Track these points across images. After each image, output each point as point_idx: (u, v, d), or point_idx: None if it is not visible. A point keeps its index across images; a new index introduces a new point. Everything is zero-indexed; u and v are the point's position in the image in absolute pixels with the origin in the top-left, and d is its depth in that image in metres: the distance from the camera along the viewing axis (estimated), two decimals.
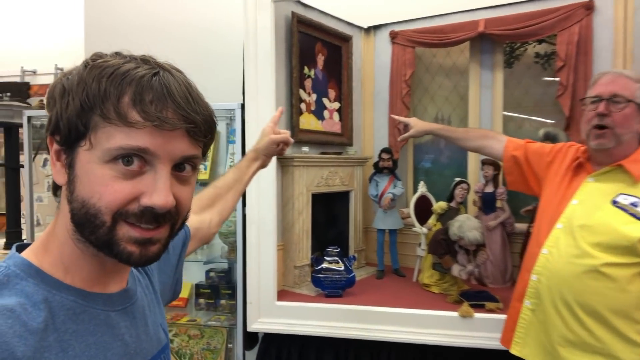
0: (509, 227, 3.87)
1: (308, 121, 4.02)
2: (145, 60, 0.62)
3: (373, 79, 4.79)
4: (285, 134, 1.63)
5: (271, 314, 3.34)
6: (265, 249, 3.32)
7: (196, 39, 3.86)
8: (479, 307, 3.00)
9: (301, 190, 3.73)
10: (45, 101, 0.62)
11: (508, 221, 3.85)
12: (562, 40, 3.87)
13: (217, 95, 3.65)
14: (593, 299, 1.64)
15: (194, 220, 1.05)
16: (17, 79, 5.06)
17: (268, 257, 3.31)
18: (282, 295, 3.51)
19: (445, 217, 3.77)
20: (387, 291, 3.64)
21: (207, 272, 4.26)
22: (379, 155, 4.24)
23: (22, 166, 3.69)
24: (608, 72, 1.85)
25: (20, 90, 4.75)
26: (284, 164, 3.74)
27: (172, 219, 0.63)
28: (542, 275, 1.86)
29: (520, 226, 3.88)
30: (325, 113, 4.24)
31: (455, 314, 2.97)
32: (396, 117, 2.74)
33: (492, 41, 4.31)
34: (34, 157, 3.55)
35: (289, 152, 3.76)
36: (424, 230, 3.88)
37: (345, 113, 4.44)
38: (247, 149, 3.32)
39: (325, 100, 4.23)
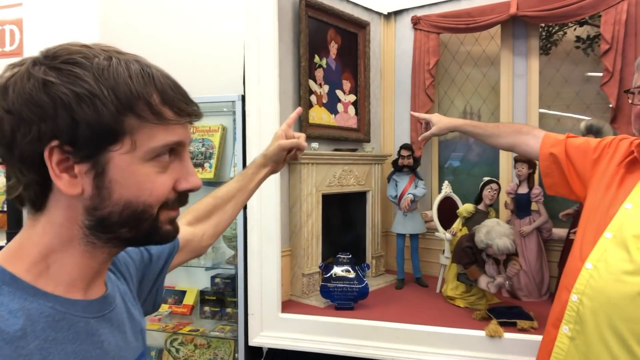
0: (545, 233, 3.47)
1: (319, 115, 3.74)
2: (120, 51, 0.63)
3: (393, 69, 4.46)
4: (298, 138, 1.48)
5: (275, 327, 3.07)
6: (268, 255, 3.06)
7: (195, 25, 3.64)
8: (510, 326, 2.64)
9: (310, 190, 3.45)
10: (26, 112, 0.56)
11: (545, 226, 3.46)
12: (607, 20, 3.45)
13: (216, 86, 3.43)
14: None
15: (186, 232, 1.04)
16: None
17: (271, 264, 3.05)
18: (289, 305, 3.24)
19: (472, 221, 3.41)
20: (406, 304, 3.31)
21: (213, 278, 4.04)
22: (398, 152, 3.92)
23: None
24: None
25: None
26: (291, 162, 3.46)
27: None
28: (584, 296, 1.51)
29: (559, 232, 3.48)
30: (339, 106, 3.95)
31: (482, 332, 2.62)
32: (416, 113, 2.41)
33: (526, 24, 3.91)
34: None
35: None
36: (448, 236, 3.53)
37: (361, 106, 4.13)
38: (247, 145, 3.07)
39: (339, 93, 3.94)
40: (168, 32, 3.60)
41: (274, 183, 3.04)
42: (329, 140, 3.80)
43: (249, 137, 3.09)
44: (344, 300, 3.16)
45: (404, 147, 3.86)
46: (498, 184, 3.51)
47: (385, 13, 4.42)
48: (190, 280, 4.20)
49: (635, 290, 1.35)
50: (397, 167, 3.87)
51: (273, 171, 1.33)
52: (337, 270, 3.22)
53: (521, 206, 3.51)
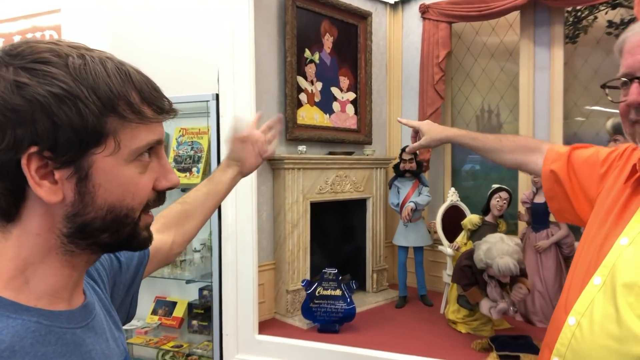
0: (566, 249, 3.05)
1: (310, 115, 3.46)
2: (89, 49, 0.61)
3: (400, 63, 4.12)
4: (254, 127, 1.31)
5: (251, 350, 2.83)
6: (244, 269, 2.82)
7: (168, 21, 3.45)
8: None
9: (295, 198, 3.18)
10: None
11: (565, 241, 3.04)
12: None
13: (189, 86, 3.22)
14: None
15: (155, 240, 0.90)
16: None
17: (247, 280, 2.81)
18: (270, 325, 2.99)
19: (478, 234, 3.04)
20: (401, 327, 2.99)
21: (201, 290, 3.84)
22: (400, 155, 3.59)
23: None
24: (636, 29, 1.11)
25: None
26: (275, 166, 3.21)
27: None
28: None
29: None
30: (335, 105, 3.65)
31: None
32: (403, 120, 2.04)
33: (549, 9, 3.48)
34: None
35: (282, 151, 3.25)
36: (450, 251, 3.18)
37: (362, 105, 3.82)
38: (222, 147, 2.84)
39: (334, 90, 3.65)
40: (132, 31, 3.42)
41: (249, 188, 2.80)
42: (321, 142, 3.52)
43: (223, 139, 2.85)
44: (328, 321, 2.88)
45: (403, 149, 3.53)
46: (508, 192, 3.12)
47: (392, 2, 4.08)
48: (182, 291, 4.03)
49: None
50: (399, 172, 3.54)
51: (242, 172, 1.20)
52: (322, 288, 2.94)
53: (538, 217, 3.10)
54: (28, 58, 0.56)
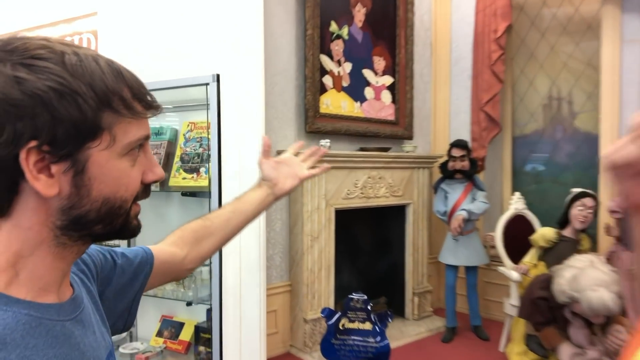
0: None
1: (336, 102, 2.88)
2: (79, 47, 0.63)
3: (449, 40, 3.47)
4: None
5: None
6: (248, 293, 2.29)
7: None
8: None
9: (316, 204, 2.61)
10: None
11: None
12: None
13: (187, 64, 2.71)
14: None
15: (164, 252, 0.99)
16: None
17: (252, 305, 2.29)
18: None
19: (554, 254, 2.37)
20: None
21: (208, 311, 3.31)
22: (449, 152, 2.95)
23: None
24: None
25: None
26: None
27: None
28: None
29: None
30: (368, 91, 3.05)
31: None
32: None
33: None
34: None
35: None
36: (516, 275, 2.50)
37: (401, 92, 3.20)
38: (223, 138, 2.33)
39: (367, 73, 3.05)
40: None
41: None
42: (350, 136, 2.93)
43: (224, 129, 2.33)
44: None
45: (456, 144, 2.89)
46: (595, 198, 2.41)
47: None
48: (191, 310, 3.52)
49: None
50: (447, 173, 2.91)
51: (274, 193, 1.11)
52: (347, 319, 2.32)
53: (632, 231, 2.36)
54: (25, 54, 0.59)
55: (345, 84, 2.93)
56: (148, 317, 2.97)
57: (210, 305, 2.63)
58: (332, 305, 2.72)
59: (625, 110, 2.91)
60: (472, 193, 2.91)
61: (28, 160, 0.57)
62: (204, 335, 3.29)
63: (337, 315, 2.35)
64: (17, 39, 0.60)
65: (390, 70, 3.18)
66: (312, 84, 2.69)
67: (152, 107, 0.65)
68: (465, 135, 3.36)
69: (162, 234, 1.03)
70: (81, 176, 0.60)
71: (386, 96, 3.17)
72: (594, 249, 2.61)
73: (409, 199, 3.13)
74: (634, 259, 2.11)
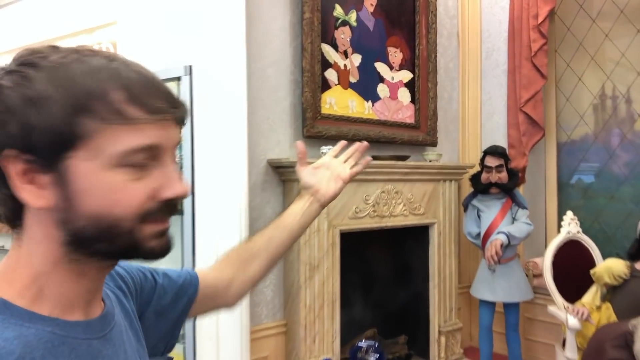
0: None
1: (342, 101, 2.40)
2: (92, 50, 0.60)
3: (479, 30, 2.97)
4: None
5: None
6: (227, 337, 1.85)
7: None
8: None
9: (317, 225, 2.14)
10: None
11: None
12: None
13: (159, 56, 2.28)
14: None
15: (208, 276, 0.93)
16: None
17: (232, 350, 1.85)
18: None
19: (624, 293, 1.82)
20: None
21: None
22: (482, 161, 2.43)
23: None
24: None
25: None
26: (286, 176, 2.17)
27: None
28: None
29: None
30: (382, 89, 2.56)
31: None
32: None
33: None
34: None
35: (289, 155, 2.21)
36: (573, 321, 1.94)
37: (422, 89, 2.70)
38: (196, 138, 1.90)
39: (380, 67, 2.56)
40: None
41: (236, 208, 1.82)
42: (360, 141, 2.42)
43: (199, 133, 1.88)
44: None
45: (491, 152, 2.38)
46: None
47: None
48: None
49: None
50: (481, 186, 2.40)
51: (318, 200, 1.02)
52: None
53: None
54: (18, 61, 0.59)
55: (353, 79, 2.45)
56: None
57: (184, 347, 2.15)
58: (337, 350, 2.22)
59: None
60: (511, 211, 2.38)
61: (9, 169, 0.57)
62: None
63: None
64: (30, 47, 0.61)
65: (408, 64, 2.69)
66: (312, 79, 2.22)
67: (161, 112, 0.58)
68: (501, 141, 2.82)
69: None
70: (66, 188, 0.58)
71: (404, 94, 2.67)
72: None
73: (432, 217, 2.60)
74: None
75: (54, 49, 0.59)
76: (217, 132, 1.91)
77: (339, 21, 2.40)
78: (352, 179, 1.02)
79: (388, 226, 2.43)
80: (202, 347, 1.95)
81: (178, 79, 2.04)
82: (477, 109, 2.95)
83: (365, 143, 1.07)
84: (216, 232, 1.87)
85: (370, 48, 2.53)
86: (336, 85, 2.39)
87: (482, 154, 2.44)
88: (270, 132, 2.16)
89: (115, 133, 0.56)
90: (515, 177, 2.40)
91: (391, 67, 2.62)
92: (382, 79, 2.58)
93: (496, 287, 2.34)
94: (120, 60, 0.59)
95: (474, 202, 2.47)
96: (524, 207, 2.37)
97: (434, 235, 2.63)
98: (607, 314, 1.84)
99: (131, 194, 0.58)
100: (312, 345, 2.16)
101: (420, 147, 2.72)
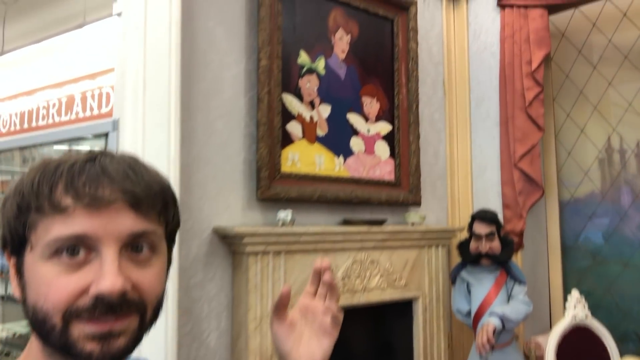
0: None
1: (307, 157, 2.10)
2: (88, 152, 0.62)
3: (467, 77, 2.72)
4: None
5: None
6: None
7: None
8: None
9: (269, 306, 1.78)
10: None
11: None
12: None
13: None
14: None
15: None
16: None
17: None
18: None
19: None
20: None
21: None
22: (469, 226, 2.11)
23: None
24: None
25: None
26: (235, 248, 1.84)
27: (136, 307, 0.59)
28: None
29: None
30: (355, 142, 2.28)
31: None
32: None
33: None
34: None
35: (246, 221, 1.89)
36: None
37: (402, 142, 2.42)
38: None
39: (353, 118, 2.29)
40: None
41: (169, 287, 1.41)
42: (328, 204, 2.12)
43: None
44: None
45: (480, 217, 2.05)
46: None
47: None
48: None
49: None
50: (469, 258, 2.05)
51: None
52: None
53: None
54: None
55: (321, 132, 2.17)
56: None
57: None
58: None
59: None
60: (506, 286, 2.03)
61: (8, 260, 0.62)
62: None
63: None
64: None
65: (387, 114, 2.41)
66: (268, 133, 1.93)
67: (94, 198, 0.56)
68: (494, 200, 2.50)
69: None
70: (22, 281, 0.60)
71: (382, 148, 2.38)
72: None
73: (416, 290, 2.25)
74: None
75: (56, 156, 0.61)
76: None
77: (304, 69, 2.14)
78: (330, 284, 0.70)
79: (361, 303, 2.07)
80: None
81: (106, 134, 1.77)
82: (467, 164, 2.64)
83: (326, 262, 0.74)
84: None
85: (341, 98, 2.26)
86: (300, 139, 2.10)
87: (470, 219, 2.11)
88: (217, 195, 1.85)
89: (49, 223, 0.56)
90: (510, 246, 2.06)
91: (367, 119, 2.34)
92: (355, 132, 2.29)
93: None
94: (93, 156, 0.59)
95: (463, 274, 2.11)
96: (520, 281, 2.01)
97: (418, 311, 2.27)
98: None
99: (59, 288, 0.56)
100: None
101: (401, 207, 2.39)
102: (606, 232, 2.61)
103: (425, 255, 2.31)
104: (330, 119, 2.21)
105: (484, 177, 2.60)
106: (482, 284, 2.04)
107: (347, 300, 2.02)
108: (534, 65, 2.44)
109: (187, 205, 1.75)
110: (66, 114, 3.07)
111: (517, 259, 2.35)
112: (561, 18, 2.65)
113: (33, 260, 0.57)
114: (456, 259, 2.34)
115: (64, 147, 2.33)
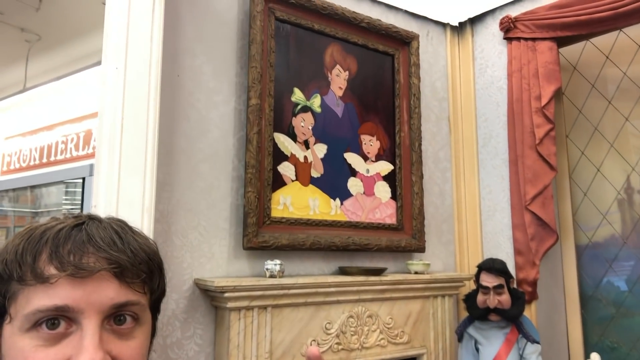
0: None
1: (300, 200, 1.98)
2: (76, 216, 0.61)
3: (474, 113, 2.60)
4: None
5: None
6: None
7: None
8: None
9: None
10: None
11: None
12: None
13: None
14: None
15: None
16: None
17: None
18: None
19: None
20: None
21: None
22: (476, 277, 1.94)
23: None
24: None
25: None
26: (218, 303, 1.70)
27: None
28: None
29: None
30: (353, 184, 2.15)
31: None
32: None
33: None
34: None
35: (231, 271, 1.76)
36: None
37: (405, 183, 2.29)
38: None
39: (351, 158, 2.17)
40: None
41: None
42: (323, 252, 1.99)
43: None
44: None
45: (487, 268, 1.89)
46: None
47: (454, 23, 2.65)
48: None
49: None
50: (476, 313, 1.88)
51: None
52: None
53: None
54: None
55: (316, 174, 2.05)
56: None
57: None
58: None
59: None
60: (517, 345, 1.84)
61: None
62: None
63: None
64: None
65: (387, 154, 2.29)
66: (257, 176, 1.82)
67: (78, 267, 0.54)
68: (505, 244, 2.34)
69: None
70: (1, 352, 0.58)
71: (382, 190, 2.25)
72: None
73: (420, 346, 2.07)
74: None
75: (51, 220, 0.60)
76: None
77: (299, 107, 2.05)
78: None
79: None
80: None
81: (82, 179, 1.67)
82: (476, 206, 2.49)
83: (314, 350, 0.65)
84: None
85: (338, 137, 2.15)
86: (293, 181, 1.98)
87: (477, 269, 1.95)
88: (200, 244, 1.72)
89: (30, 294, 0.54)
90: (521, 300, 1.89)
91: (365, 158, 2.22)
92: (354, 172, 2.17)
93: None
94: (80, 222, 0.57)
95: (471, 330, 1.94)
96: (533, 341, 1.83)
97: None
98: None
99: None
100: None
101: (404, 253, 2.24)
102: (630, 279, 2.41)
103: (430, 307, 2.14)
104: (326, 159, 2.09)
105: (494, 220, 2.44)
106: (491, 342, 1.87)
107: (342, 359, 1.85)
108: (544, 100, 2.32)
109: (166, 256, 1.62)
110: (84, 148, 3.14)
111: (531, 311, 2.17)
112: (572, 50, 2.53)
113: (12, 332, 0.55)
114: (465, 311, 2.17)
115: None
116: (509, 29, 2.46)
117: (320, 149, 2.09)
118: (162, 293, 0.65)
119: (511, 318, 1.84)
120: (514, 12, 2.49)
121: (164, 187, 1.65)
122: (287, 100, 2.02)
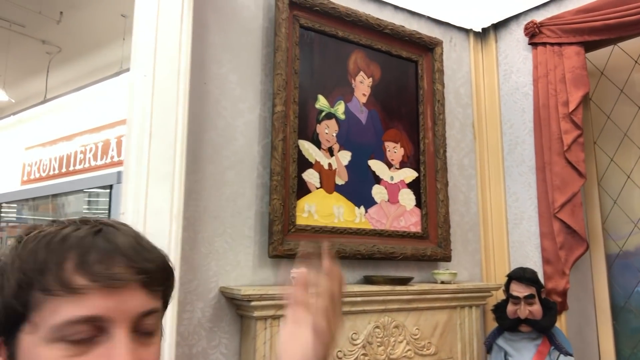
0: None
1: (325, 208, 1.98)
2: (84, 221, 0.61)
3: (498, 120, 2.57)
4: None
5: None
6: None
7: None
8: None
9: None
10: None
11: None
12: None
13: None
14: None
15: None
16: None
17: None
18: None
19: None
20: None
21: None
22: (506, 287, 1.91)
23: None
24: None
25: None
26: (243, 310, 1.70)
27: None
28: None
29: None
30: (377, 191, 2.15)
31: None
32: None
33: None
34: None
35: (255, 279, 1.76)
36: None
37: (429, 190, 2.28)
38: None
39: (376, 165, 2.17)
40: None
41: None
42: (348, 260, 1.98)
43: None
44: None
45: (517, 278, 1.86)
46: None
47: (477, 28, 2.65)
48: None
49: None
50: (506, 323, 1.85)
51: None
52: None
53: None
54: (17, 235, 0.61)
55: (340, 181, 2.05)
56: None
57: None
58: None
59: None
60: (549, 357, 1.80)
61: None
62: None
63: None
64: (32, 224, 0.62)
65: (412, 160, 2.28)
66: (282, 183, 1.82)
67: (109, 278, 0.54)
68: (533, 253, 2.31)
69: None
70: None
71: (407, 197, 2.23)
72: None
73: (447, 358, 2.05)
74: None
75: (52, 223, 0.59)
76: None
77: (323, 114, 2.05)
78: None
79: None
80: None
81: (110, 187, 1.69)
82: (502, 214, 2.46)
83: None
84: None
85: (362, 144, 2.15)
86: (318, 188, 1.98)
87: (507, 278, 1.93)
88: (226, 252, 1.73)
89: (57, 304, 0.53)
90: (553, 311, 1.85)
91: (390, 165, 2.21)
92: (378, 180, 2.17)
93: None
94: (97, 228, 0.57)
95: (500, 342, 1.91)
96: (567, 354, 1.79)
97: None
98: None
99: None
100: None
101: (429, 262, 2.22)
102: None
103: (458, 317, 2.11)
104: (350, 167, 2.09)
105: (521, 228, 2.41)
106: (522, 354, 1.83)
107: None
108: (572, 106, 2.29)
109: (192, 264, 1.63)
110: (102, 158, 3.19)
111: (561, 323, 2.13)
112: (599, 55, 2.51)
113: (34, 342, 0.54)
114: (492, 322, 2.13)
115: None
116: (534, 34, 2.45)
117: (345, 156, 2.09)
118: (171, 292, 0.66)
119: (543, 329, 1.81)
120: (539, 17, 2.47)
121: (191, 195, 1.66)
122: (311, 107, 2.02)
